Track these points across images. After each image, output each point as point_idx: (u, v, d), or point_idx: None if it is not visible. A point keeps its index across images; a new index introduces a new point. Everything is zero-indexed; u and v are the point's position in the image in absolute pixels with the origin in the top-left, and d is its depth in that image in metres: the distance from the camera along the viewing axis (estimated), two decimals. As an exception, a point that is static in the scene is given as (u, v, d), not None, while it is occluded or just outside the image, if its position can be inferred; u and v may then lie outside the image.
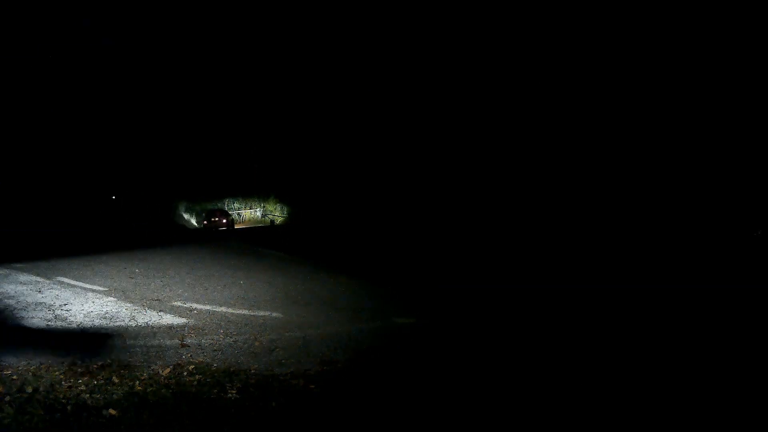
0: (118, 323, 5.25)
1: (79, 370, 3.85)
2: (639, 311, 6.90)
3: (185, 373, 3.95)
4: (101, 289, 6.68)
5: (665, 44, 14.32)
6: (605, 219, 13.61)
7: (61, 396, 3.35)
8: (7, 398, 3.23)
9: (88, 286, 6.81)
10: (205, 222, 27.15)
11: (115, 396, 3.40)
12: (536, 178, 15.60)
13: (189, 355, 4.44)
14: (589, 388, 3.93)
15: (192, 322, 5.48)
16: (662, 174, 14.02)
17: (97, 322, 5.22)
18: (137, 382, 3.67)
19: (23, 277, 7.23)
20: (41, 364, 3.95)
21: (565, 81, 15.76)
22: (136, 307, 5.90)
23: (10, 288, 6.49)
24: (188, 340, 4.83)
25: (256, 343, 4.89)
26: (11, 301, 5.80)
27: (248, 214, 35.81)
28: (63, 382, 3.59)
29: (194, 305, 6.19)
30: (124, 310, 5.77)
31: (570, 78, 15.72)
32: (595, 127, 15.11)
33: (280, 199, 34.26)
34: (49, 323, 5.11)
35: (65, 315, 5.41)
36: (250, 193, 35.80)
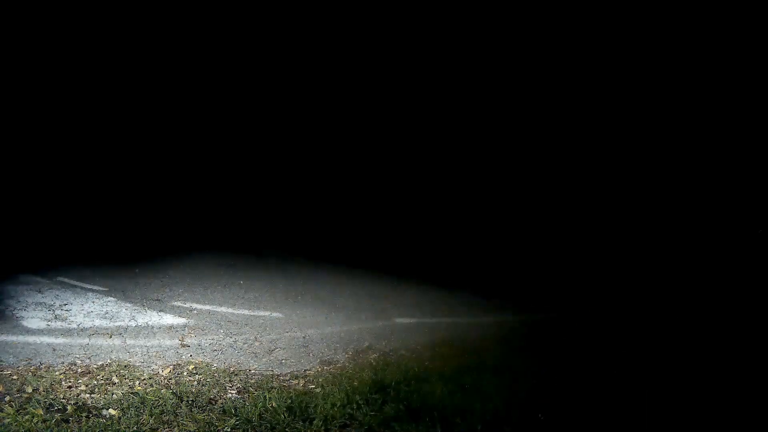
0: (118, 323, 5.26)
1: (79, 370, 3.86)
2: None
3: (185, 373, 3.96)
4: (101, 288, 6.69)
5: (666, 43, 14.32)
6: (605, 215, 13.56)
7: (61, 396, 3.36)
8: (7, 398, 3.24)
9: (88, 286, 6.81)
10: (206, 220, 27.17)
11: (115, 396, 3.41)
12: (531, 170, 15.40)
13: (189, 355, 4.45)
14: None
15: (192, 322, 5.49)
16: (663, 169, 13.99)
17: (97, 322, 5.23)
18: (137, 382, 3.68)
19: (23, 276, 7.23)
20: (41, 364, 3.95)
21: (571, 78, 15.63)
22: (136, 307, 5.90)
23: (10, 287, 6.49)
24: (188, 340, 4.84)
25: (256, 343, 4.90)
26: (11, 301, 5.80)
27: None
28: (63, 382, 3.60)
29: (194, 305, 6.20)
30: (124, 309, 5.78)
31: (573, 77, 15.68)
32: (592, 125, 15.06)
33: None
34: (50, 323, 5.11)
35: (65, 315, 5.42)
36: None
